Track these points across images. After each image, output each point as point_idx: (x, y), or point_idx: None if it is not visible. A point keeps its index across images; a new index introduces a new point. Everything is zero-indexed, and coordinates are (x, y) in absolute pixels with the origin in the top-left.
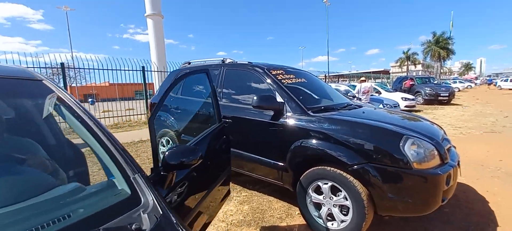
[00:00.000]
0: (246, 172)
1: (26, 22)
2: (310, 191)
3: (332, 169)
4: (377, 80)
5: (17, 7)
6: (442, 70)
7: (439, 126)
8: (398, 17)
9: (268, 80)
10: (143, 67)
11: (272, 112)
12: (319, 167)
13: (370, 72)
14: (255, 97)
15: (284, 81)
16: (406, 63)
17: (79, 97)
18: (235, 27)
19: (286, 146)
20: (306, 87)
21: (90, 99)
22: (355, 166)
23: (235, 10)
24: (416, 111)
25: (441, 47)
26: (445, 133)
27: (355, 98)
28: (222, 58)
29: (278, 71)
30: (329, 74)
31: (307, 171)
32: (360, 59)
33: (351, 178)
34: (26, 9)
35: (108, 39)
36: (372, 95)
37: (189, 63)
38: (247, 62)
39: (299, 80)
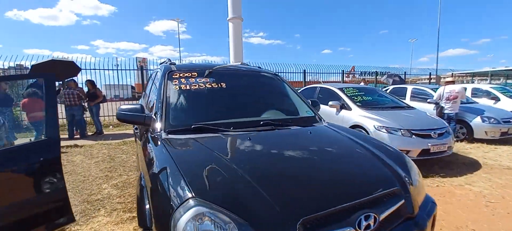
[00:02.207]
0: None
1: (175, 33)
2: None
3: None
4: None
5: (170, 22)
6: None
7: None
8: None
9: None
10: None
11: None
12: None
13: None
14: (121, 107)
15: (185, 86)
16: None
17: None
18: (343, 23)
19: None
20: (217, 95)
21: None
22: None
23: (344, 5)
24: None
25: None
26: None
27: (437, 107)
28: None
29: (184, 74)
30: (435, 73)
31: None
32: None
33: None
34: (176, 23)
35: (227, 44)
36: (473, 102)
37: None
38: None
39: (214, 85)
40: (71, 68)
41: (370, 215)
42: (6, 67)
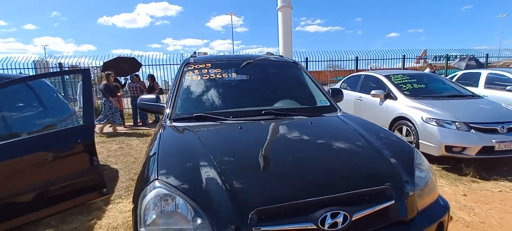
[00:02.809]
0: None
1: (233, 27)
2: None
3: None
4: None
5: (228, 17)
6: None
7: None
8: None
9: None
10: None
11: None
12: None
13: None
14: (141, 97)
15: (196, 77)
16: None
17: None
18: (414, 0)
19: None
20: (227, 85)
21: None
22: None
23: None
24: None
25: None
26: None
27: None
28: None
29: (199, 66)
30: None
31: None
32: None
33: None
34: (235, 18)
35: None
36: None
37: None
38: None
39: (225, 76)
40: (134, 64)
41: (340, 213)
42: (99, 65)
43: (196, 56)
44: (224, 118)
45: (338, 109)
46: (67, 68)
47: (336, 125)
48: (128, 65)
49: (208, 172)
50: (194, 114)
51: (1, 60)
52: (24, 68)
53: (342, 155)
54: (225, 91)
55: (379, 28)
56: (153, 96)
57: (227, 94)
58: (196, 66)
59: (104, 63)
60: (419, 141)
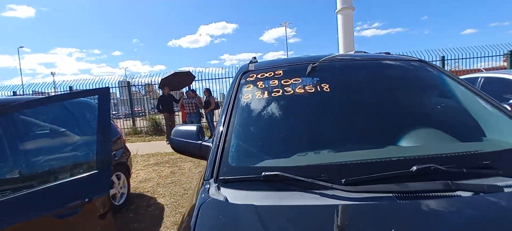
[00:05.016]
0: None
1: (285, 39)
2: None
3: None
4: None
5: (280, 29)
6: None
7: None
8: None
9: None
10: None
11: None
12: None
13: None
14: (176, 128)
15: (261, 94)
16: None
17: None
18: None
19: None
20: (316, 107)
21: None
22: None
23: None
24: None
25: None
26: None
27: None
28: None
29: (264, 74)
30: None
31: None
32: None
33: None
34: (288, 30)
35: (337, 40)
36: None
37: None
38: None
39: (309, 90)
40: (187, 76)
41: None
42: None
43: (256, 62)
44: (326, 183)
45: None
46: (142, 86)
47: None
48: (183, 78)
49: None
50: (263, 173)
51: (96, 82)
52: (112, 87)
53: None
54: (313, 118)
55: (451, 25)
56: (193, 128)
57: (319, 124)
58: (259, 76)
59: (161, 79)
60: None
